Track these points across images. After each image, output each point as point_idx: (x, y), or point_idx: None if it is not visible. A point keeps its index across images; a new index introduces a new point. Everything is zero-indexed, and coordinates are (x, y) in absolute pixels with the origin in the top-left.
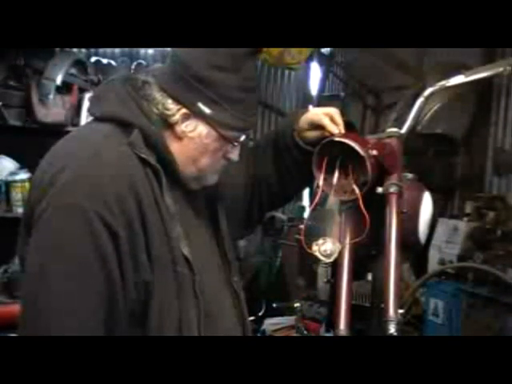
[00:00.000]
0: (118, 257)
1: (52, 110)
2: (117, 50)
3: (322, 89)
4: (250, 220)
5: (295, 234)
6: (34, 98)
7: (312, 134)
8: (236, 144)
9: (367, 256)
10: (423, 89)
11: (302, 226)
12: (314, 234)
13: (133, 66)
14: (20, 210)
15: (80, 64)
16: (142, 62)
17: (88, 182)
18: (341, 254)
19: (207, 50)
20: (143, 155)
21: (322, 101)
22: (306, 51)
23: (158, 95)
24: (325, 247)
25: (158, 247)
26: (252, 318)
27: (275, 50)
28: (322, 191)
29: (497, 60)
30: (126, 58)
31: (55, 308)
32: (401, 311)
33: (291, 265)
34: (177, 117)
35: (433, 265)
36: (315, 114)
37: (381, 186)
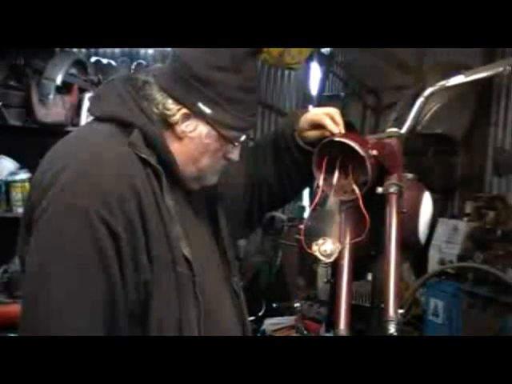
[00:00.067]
0: (118, 257)
1: (52, 110)
2: (117, 50)
3: (321, 89)
4: (250, 220)
5: (295, 234)
6: (34, 98)
7: (312, 134)
8: (236, 144)
9: (367, 256)
10: (423, 89)
11: (301, 226)
12: (314, 233)
13: (133, 66)
14: (20, 210)
15: (80, 64)
16: (142, 61)
17: (88, 181)
18: (341, 253)
19: (207, 50)
20: (143, 155)
21: (322, 101)
22: (306, 51)
23: (158, 95)
24: (325, 247)
25: (158, 247)
26: (252, 317)
27: (275, 50)
28: (322, 191)
29: (497, 60)
30: (126, 57)
31: (55, 308)
32: (401, 311)
33: (291, 265)
34: (177, 117)
35: (433, 265)
36: (315, 113)
37: (381, 186)
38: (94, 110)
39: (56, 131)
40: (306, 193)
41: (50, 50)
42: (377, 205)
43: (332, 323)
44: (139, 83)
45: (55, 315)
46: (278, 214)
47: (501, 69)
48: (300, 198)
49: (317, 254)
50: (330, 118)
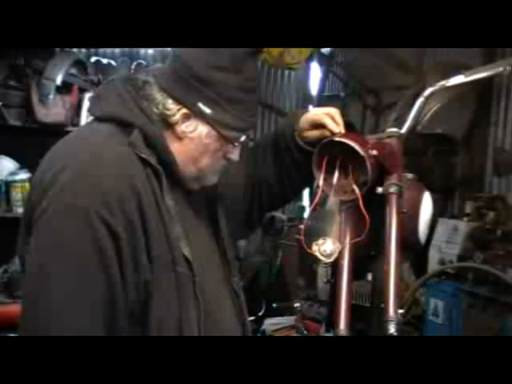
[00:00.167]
0: (118, 257)
1: (52, 110)
2: (117, 50)
3: (321, 89)
4: (250, 220)
5: (295, 234)
6: (34, 98)
7: (312, 134)
8: (236, 144)
9: (367, 256)
10: (423, 89)
11: (301, 226)
12: (314, 233)
13: (133, 66)
14: (20, 210)
15: (80, 64)
16: (142, 61)
17: (88, 181)
18: (341, 253)
19: (207, 50)
20: (143, 155)
21: (322, 101)
22: (306, 51)
23: (158, 95)
24: (325, 247)
25: (158, 247)
26: (252, 317)
27: (275, 50)
28: (322, 191)
29: (497, 60)
30: (126, 57)
31: (55, 308)
32: (401, 311)
33: (291, 265)
34: (177, 117)
35: (433, 265)
36: (315, 113)
37: (381, 186)
38: (94, 109)
39: (56, 131)
40: (306, 193)
41: (50, 50)
42: (377, 205)
43: (332, 323)
44: (139, 83)
45: (55, 315)
46: (278, 214)
47: (501, 69)
48: (300, 198)
49: (317, 254)
50: (330, 118)
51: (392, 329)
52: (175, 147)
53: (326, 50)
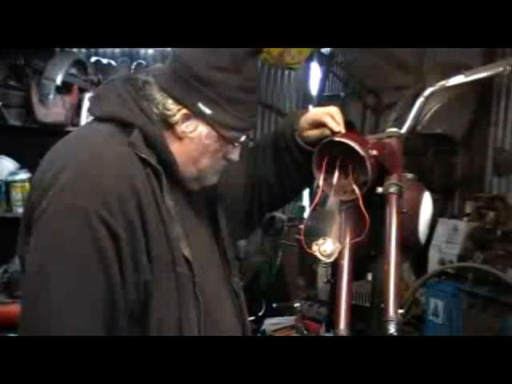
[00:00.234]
0: (118, 257)
1: (52, 110)
2: (117, 50)
3: (321, 89)
4: (250, 220)
5: (295, 234)
6: (34, 98)
7: (312, 134)
8: (236, 144)
9: (367, 256)
10: (423, 89)
11: (301, 226)
12: (314, 233)
13: (133, 66)
14: (20, 210)
15: (80, 64)
16: (142, 61)
17: (88, 182)
18: (341, 253)
19: (207, 50)
20: (143, 155)
21: (322, 101)
22: (306, 51)
23: (158, 95)
24: (325, 247)
25: (157, 247)
26: (252, 318)
27: (275, 50)
28: (322, 191)
29: (497, 60)
30: (126, 57)
31: (55, 308)
32: (401, 311)
33: (291, 265)
34: (177, 117)
35: (433, 265)
36: (315, 112)
37: (381, 186)
38: (93, 109)
39: (56, 131)
40: (306, 193)
41: (50, 50)
42: (377, 205)
43: (332, 323)
44: (139, 83)
45: (55, 315)
46: (278, 214)
47: (501, 69)
48: (300, 198)
49: (317, 253)
50: (330, 117)
51: (392, 329)
52: (175, 147)
53: (326, 50)
